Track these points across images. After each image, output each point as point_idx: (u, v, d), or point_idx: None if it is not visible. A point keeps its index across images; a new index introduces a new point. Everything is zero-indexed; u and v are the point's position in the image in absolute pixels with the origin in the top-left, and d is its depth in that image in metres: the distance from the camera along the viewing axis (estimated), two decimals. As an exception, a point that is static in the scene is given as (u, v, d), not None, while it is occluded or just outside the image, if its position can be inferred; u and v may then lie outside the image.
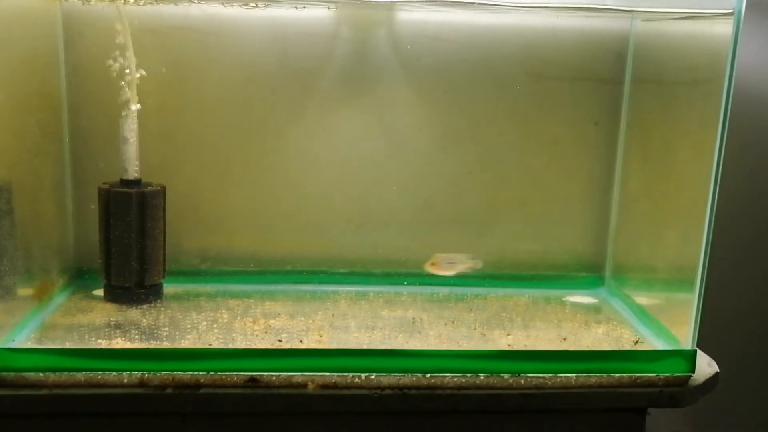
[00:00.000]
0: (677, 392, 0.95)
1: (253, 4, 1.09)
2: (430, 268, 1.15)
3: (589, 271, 1.26)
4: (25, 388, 0.88)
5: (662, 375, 0.96)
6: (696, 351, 0.96)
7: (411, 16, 1.15)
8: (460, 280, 1.20)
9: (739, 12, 0.88)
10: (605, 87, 1.20)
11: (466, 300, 1.18)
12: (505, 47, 1.17)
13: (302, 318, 1.07)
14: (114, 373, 0.89)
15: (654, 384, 0.95)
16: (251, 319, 1.05)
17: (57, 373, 0.89)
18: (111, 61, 1.06)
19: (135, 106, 1.07)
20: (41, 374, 0.88)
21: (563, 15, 1.16)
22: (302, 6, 1.11)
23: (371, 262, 1.22)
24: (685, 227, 1.00)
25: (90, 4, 1.08)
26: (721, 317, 1.33)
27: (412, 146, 1.20)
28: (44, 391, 0.88)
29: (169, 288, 1.14)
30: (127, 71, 1.06)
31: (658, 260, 1.11)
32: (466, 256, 1.16)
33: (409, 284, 1.21)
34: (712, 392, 0.98)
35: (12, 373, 0.88)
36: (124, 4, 1.05)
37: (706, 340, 0.99)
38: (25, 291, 1.01)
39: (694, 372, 0.96)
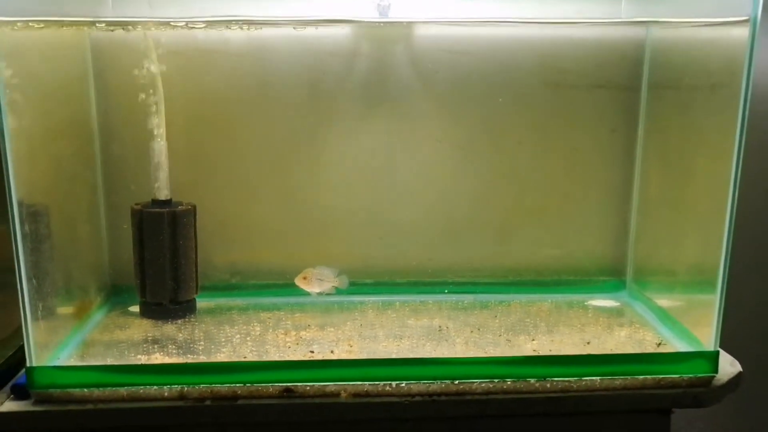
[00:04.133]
0: (701, 393, 0.97)
1: (246, 27, 1.12)
2: (300, 283, 1.15)
3: (610, 275, 1.28)
4: (72, 404, 0.92)
5: (686, 376, 0.98)
6: (718, 352, 0.98)
7: (428, 31, 1.17)
8: (484, 288, 1.23)
9: (755, 18, 0.90)
10: (622, 94, 1.22)
11: (490, 307, 1.20)
12: (522, 58, 1.19)
13: (332, 329, 1.10)
14: (155, 387, 0.93)
15: (678, 385, 0.97)
16: (283, 331, 1.09)
17: (101, 389, 0.93)
18: (139, 88, 1.10)
19: (163, 125, 1.11)
20: (86, 390, 0.92)
21: (579, 26, 1.18)
22: (302, 27, 1.14)
23: (396, 272, 1.25)
24: (705, 230, 1.02)
25: (115, 32, 1.12)
26: (743, 317, 1.34)
27: (433, 158, 1.22)
28: (89, 407, 0.92)
29: (201, 303, 1.18)
30: (154, 97, 1.10)
31: (678, 263, 1.13)
32: (333, 272, 1.16)
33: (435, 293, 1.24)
34: (735, 392, 1.00)
35: (58, 390, 0.92)
36: (148, 29, 1.08)
37: (727, 339, 1.00)
38: (65, 310, 1.05)
39: (717, 372, 0.98)
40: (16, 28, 0.89)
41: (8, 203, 0.87)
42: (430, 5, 1.13)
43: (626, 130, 1.23)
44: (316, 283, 1.15)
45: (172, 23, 1.09)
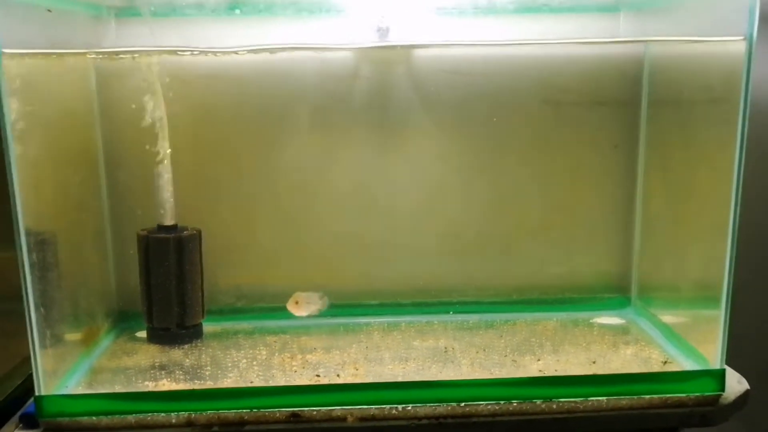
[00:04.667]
0: (708, 411, 0.97)
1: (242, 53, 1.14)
2: (292, 308, 1.18)
3: (615, 293, 1.28)
4: (80, 432, 0.93)
5: (692, 395, 0.97)
6: (725, 369, 0.98)
7: (429, 52, 1.18)
8: (490, 307, 1.24)
9: (751, 36, 0.91)
10: (623, 110, 1.23)
11: (495, 326, 1.20)
12: (522, 77, 1.20)
13: (337, 352, 1.10)
14: (162, 414, 0.94)
15: (684, 404, 0.97)
16: (289, 355, 1.09)
17: (109, 416, 0.93)
18: (143, 114, 1.11)
19: (167, 151, 1.12)
20: (94, 418, 0.93)
21: (578, 45, 1.19)
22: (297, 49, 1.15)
23: (401, 293, 1.26)
24: (708, 244, 1.02)
25: (119, 60, 1.13)
26: (749, 333, 1.33)
27: (436, 178, 1.23)
28: (97, 434, 0.92)
29: (208, 327, 1.19)
30: (158, 123, 1.11)
31: (682, 279, 1.13)
32: (318, 295, 1.19)
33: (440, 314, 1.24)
34: (743, 409, 1.00)
35: (67, 419, 0.93)
36: (140, 57, 1.09)
37: (734, 357, 1.00)
38: (73, 337, 1.05)
39: (724, 390, 0.98)
40: (22, 59, 0.91)
41: (15, 232, 0.87)
42: (430, 27, 1.15)
43: (628, 146, 1.24)
44: (305, 306, 1.18)
45: (178, 52, 1.11)
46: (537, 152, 1.23)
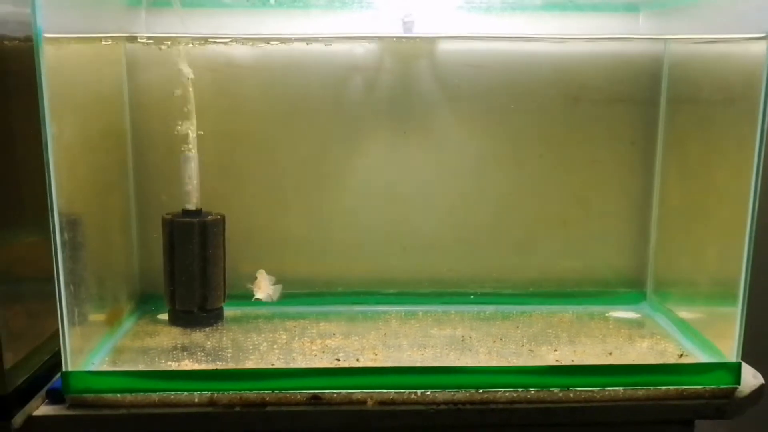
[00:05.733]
0: (723, 404, 0.98)
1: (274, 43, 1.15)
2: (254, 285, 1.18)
3: (630, 287, 1.29)
4: (104, 408, 0.94)
5: (708, 387, 0.99)
6: (741, 363, 0.99)
7: (450, 46, 1.20)
8: (506, 298, 1.25)
9: (772, 34, 0.92)
10: (641, 108, 1.24)
11: (511, 318, 1.22)
12: (543, 72, 1.22)
13: (356, 338, 1.12)
14: (185, 393, 0.95)
15: (700, 396, 0.98)
16: (308, 340, 1.11)
17: (133, 394, 0.95)
18: (171, 101, 1.13)
19: (194, 138, 1.13)
20: (118, 395, 0.95)
21: (598, 42, 1.21)
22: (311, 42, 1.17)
23: (419, 282, 1.27)
24: (726, 241, 1.03)
25: (149, 45, 1.15)
26: (765, 329, 1.34)
27: (455, 170, 1.25)
28: (122, 411, 0.94)
29: (228, 311, 1.21)
30: (186, 110, 1.13)
31: (699, 274, 1.14)
32: (272, 281, 1.18)
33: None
34: (758, 404, 1.01)
35: (92, 395, 0.94)
36: (182, 45, 1.11)
37: (749, 352, 1.01)
38: (98, 317, 1.07)
39: (739, 384, 0.99)
40: (60, 44, 0.93)
41: (49, 211, 0.89)
42: (453, 21, 1.16)
43: (645, 143, 1.25)
44: (264, 287, 1.17)
45: (210, 39, 1.12)
46: (556, 147, 1.25)
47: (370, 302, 1.25)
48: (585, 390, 0.98)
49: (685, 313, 1.17)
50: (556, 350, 1.08)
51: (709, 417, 0.99)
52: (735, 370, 0.99)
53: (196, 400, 0.96)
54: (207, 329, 1.15)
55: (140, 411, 0.95)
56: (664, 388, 0.98)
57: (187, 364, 1.01)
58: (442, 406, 0.97)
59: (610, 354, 1.06)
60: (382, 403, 0.96)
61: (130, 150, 1.20)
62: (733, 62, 1.02)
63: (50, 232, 0.90)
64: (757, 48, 0.93)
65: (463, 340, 1.11)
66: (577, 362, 1.03)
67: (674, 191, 1.22)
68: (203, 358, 1.04)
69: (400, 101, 1.21)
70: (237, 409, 0.95)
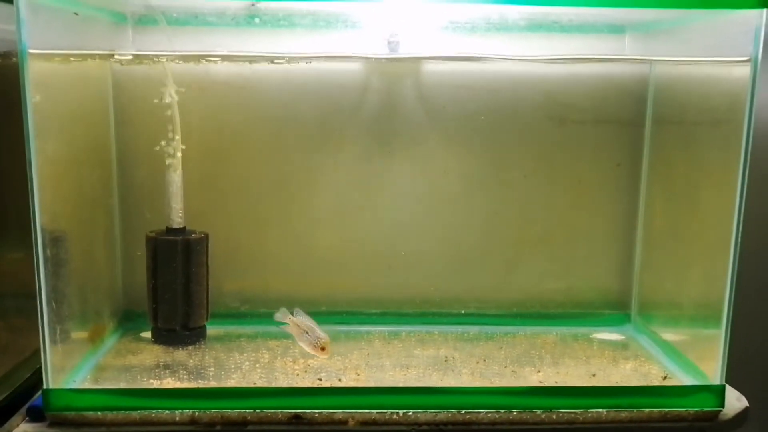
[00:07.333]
0: (707, 427, 0.98)
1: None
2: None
3: (615, 309, 1.29)
4: (85, 427, 0.93)
5: (692, 410, 0.98)
6: (725, 386, 0.99)
7: (435, 66, 1.21)
8: (490, 319, 1.25)
9: (756, 58, 0.93)
10: (626, 129, 1.25)
11: (495, 339, 1.22)
12: (528, 93, 1.22)
13: (339, 357, 1.11)
14: (167, 411, 0.95)
15: (684, 419, 0.98)
16: (291, 359, 1.10)
17: (114, 412, 0.94)
18: (156, 119, 1.13)
19: (179, 156, 1.13)
20: (99, 413, 0.94)
21: (584, 63, 1.22)
22: (309, 61, 1.18)
23: (402, 302, 1.27)
24: (710, 264, 1.03)
25: (134, 65, 1.15)
26: (749, 351, 1.34)
27: (440, 190, 1.25)
28: (102, 429, 0.93)
29: (211, 330, 1.20)
30: (170, 128, 1.13)
31: (683, 297, 1.15)
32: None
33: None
34: (741, 427, 1.01)
35: (73, 413, 0.94)
36: (168, 62, 1.12)
37: (734, 376, 1.01)
38: (80, 334, 1.06)
39: (723, 407, 0.99)
40: (46, 60, 0.93)
41: (32, 228, 0.89)
42: (438, 42, 1.17)
43: (631, 164, 1.26)
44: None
45: (195, 57, 1.13)
46: (541, 167, 1.25)
47: (354, 322, 1.25)
48: (568, 411, 0.97)
49: (669, 335, 1.17)
50: (539, 371, 1.07)
51: (692, 440, 0.99)
52: (719, 392, 0.99)
53: (177, 418, 0.95)
54: (190, 347, 1.14)
55: (121, 429, 0.94)
56: (647, 410, 0.98)
57: (169, 383, 1.01)
58: (424, 427, 0.96)
59: (594, 376, 1.06)
60: (363, 423, 0.96)
61: (114, 168, 1.20)
62: (718, 84, 1.03)
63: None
64: (741, 71, 0.95)
65: (446, 361, 1.11)
66: (560, 384, 1.03)
67: (659, 212, 1.22)
68: (185, 377, 1.03)
69: (385, 121, 1.22)
70: (218, 428, 0.95)
